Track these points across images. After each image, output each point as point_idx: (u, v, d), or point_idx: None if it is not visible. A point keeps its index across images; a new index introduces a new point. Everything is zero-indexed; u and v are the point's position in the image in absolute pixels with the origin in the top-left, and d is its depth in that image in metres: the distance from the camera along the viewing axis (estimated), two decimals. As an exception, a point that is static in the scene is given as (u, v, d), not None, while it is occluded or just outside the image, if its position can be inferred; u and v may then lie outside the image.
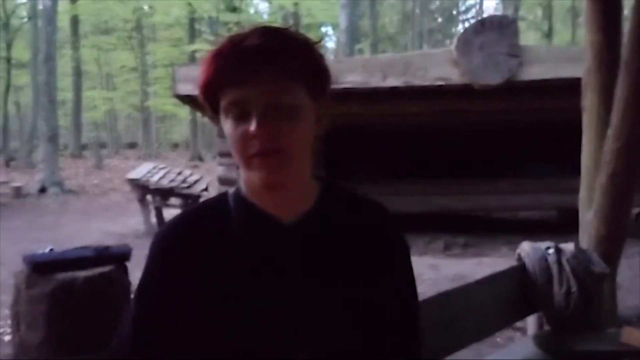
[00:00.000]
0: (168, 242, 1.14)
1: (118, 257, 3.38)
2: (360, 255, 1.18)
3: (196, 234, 1.13)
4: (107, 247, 3.40)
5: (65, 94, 32.92)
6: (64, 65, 31.26)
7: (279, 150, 1.04)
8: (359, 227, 1.22)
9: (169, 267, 1.11)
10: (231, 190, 1.20)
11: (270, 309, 1.09)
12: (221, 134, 9.18)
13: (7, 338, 4.69)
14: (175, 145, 42.99)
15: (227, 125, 1.07)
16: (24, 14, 29.47)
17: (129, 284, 3.43)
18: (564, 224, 8.47)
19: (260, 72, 1.03)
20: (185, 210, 1.21)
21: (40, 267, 3.14)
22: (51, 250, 3.39)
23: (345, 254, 1.17)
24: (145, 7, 32.57)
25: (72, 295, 3.10)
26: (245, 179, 1.15)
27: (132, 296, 3.43)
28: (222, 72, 1.04)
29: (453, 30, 42.66)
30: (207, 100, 1.10)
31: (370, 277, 1.18)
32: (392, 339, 1.23)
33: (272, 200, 1.12)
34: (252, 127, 1.02)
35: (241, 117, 1.04)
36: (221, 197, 1.20)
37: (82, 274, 3.15)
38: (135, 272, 7.17)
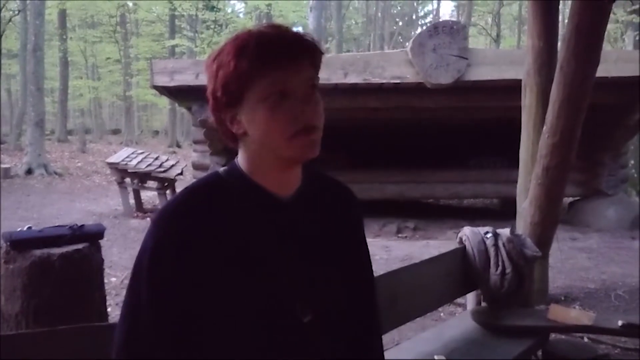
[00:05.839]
0: (179, 217, 1.10)
1: (92, 235, 3.31)
2: (342, 225, 1.26)
3: (203, 209, 1.11)
4: (82, 226, 3.32)
5: (54, 82, 32.20)
6: (53, 55, 30.57)
7: (318, 128, 1.08)
8: (337, 201, 1.29)
9: (182, 241, 1.07)
10: (221, 169, 1.18)
11: (276, 275, 1.11)
12: (197, 123, 9.01)
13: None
14: (156, 133, 42.38)
15: (264, 108, 1.05)
16: (15, 6, 28.70)
17: (102, 260, 3.37)
18: (505, 211, 8.59)
19: (300, 59, 1.06)
20: (185, 188, 1.16)
21: (18, 244, 3.06)
22: (29, 228, 3.30)
23: (330, 223, 1.23)
24: (130, 4, 32.05)
25: (48, 270, 3.03)
26: (254, 158, 1.13)
27: (110, 271, 3.39)
28: (267, 56, 1.03)
29: (412, 33, 42.45)
30: (237, 88, 1.06)
31: (350, 242, 1.28)
32: (368, 293, 1.33)
33: (275, 179, 1.14)
34: (298, 106, 1.05)
35: (279, 100, 1.05)
36: (214, 177, 1.17)
37: (58, 250, 3.08)
38: (112, 249, 6.99)
